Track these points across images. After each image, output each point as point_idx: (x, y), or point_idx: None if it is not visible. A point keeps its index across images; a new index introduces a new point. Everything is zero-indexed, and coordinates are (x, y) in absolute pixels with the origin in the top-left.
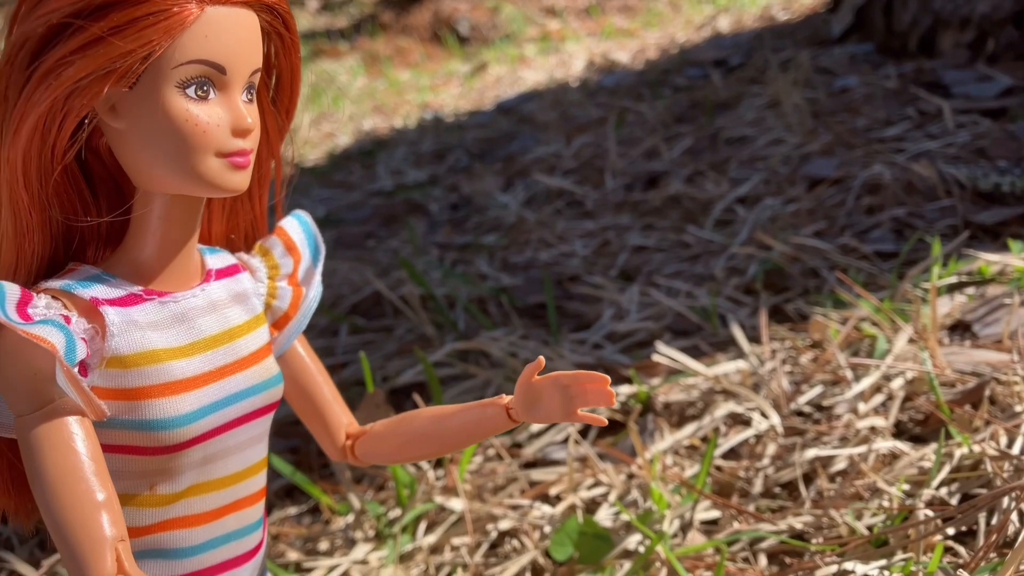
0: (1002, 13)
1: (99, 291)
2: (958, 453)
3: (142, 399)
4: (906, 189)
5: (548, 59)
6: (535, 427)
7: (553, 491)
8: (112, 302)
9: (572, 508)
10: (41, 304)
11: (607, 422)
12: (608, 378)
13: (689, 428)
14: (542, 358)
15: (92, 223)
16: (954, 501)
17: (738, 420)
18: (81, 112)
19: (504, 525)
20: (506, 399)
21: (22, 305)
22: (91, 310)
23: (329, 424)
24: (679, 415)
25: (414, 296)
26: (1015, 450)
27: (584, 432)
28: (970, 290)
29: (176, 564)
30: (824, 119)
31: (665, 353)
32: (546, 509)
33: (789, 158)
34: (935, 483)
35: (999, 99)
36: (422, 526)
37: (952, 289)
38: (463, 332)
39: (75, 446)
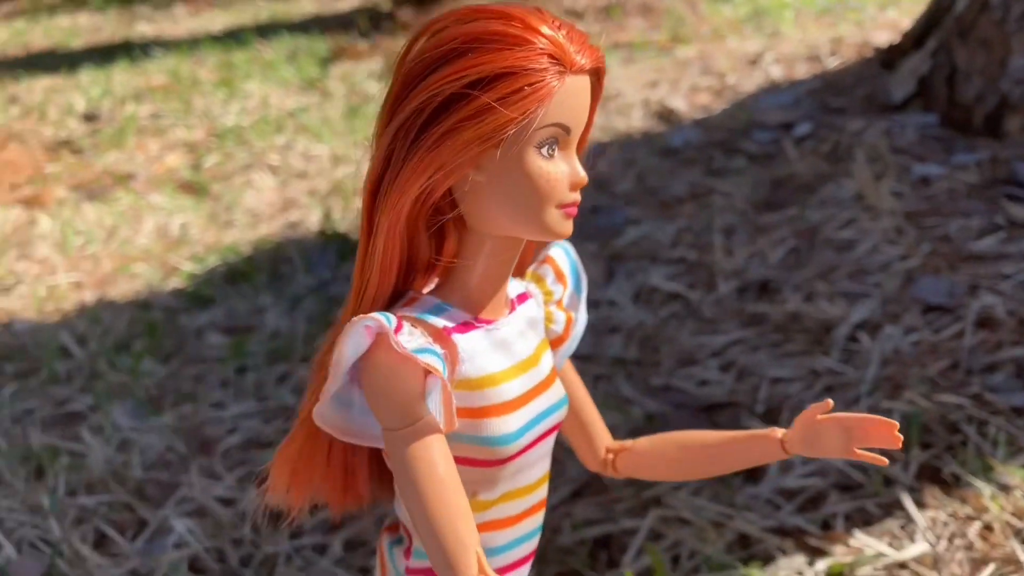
0: None
1: (445, 320)
2: None
3: (483, 417)
4: (1020, 325)
5: None
6: None
7: None
8: (457, 330)
9: None
10: (406, 332)
11: (887, 462)
12: (896, 424)
13: None
14: (830, 401)
15: (443, 262)
16: None
17: None
18: (464, 171)
19: None
20: (779, 432)
21: (395, 333)
22: (443, 337)
23: (593, 439)
24: None
25: None
26: None
27: None
28: None
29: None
30: (915, 221)
31: (863, 541)
32: None
33: (895, 273)
34: None
35: None
36: None
37: None
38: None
39: (441, 460)
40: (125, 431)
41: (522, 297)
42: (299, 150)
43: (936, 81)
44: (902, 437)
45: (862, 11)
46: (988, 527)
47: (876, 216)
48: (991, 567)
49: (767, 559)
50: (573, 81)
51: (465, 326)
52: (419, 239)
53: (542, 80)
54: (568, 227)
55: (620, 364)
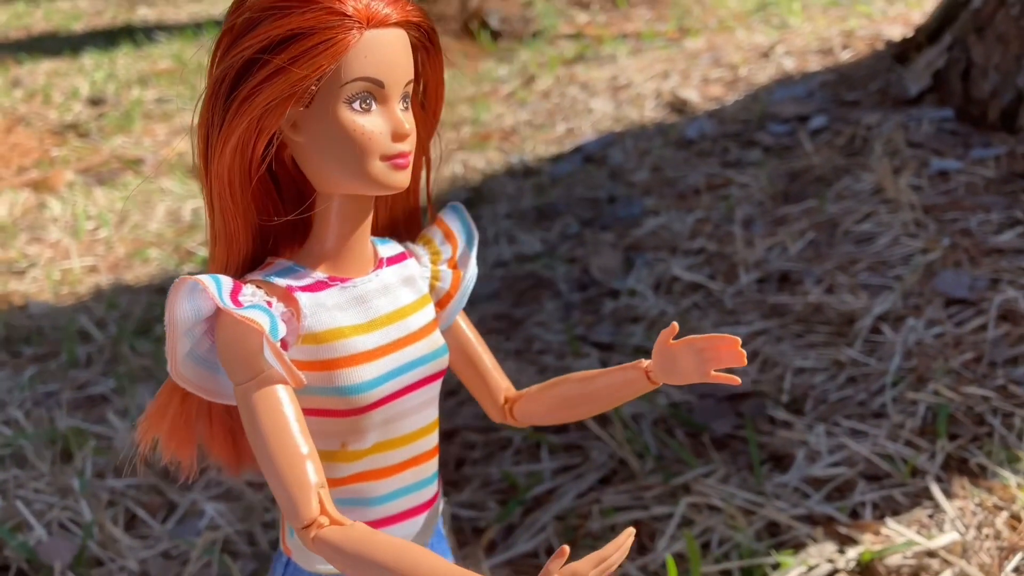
0: None
1: (292, 280)
2: None
3: (333, 369)
4: None
5: (598, 72)
6: None
7: None
8: (303, 288)
9: None
10: (248, 292)
11: (740, 382)
12: (739, 340)
13: None
14: (675, 324)
15: (281, 222)
16: None
17: None
18: (270, 131)
19: None
20: (645, 363)
21: (234, 294)
22: (287, 296)
23: (491, 389)
24: None
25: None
26: None
27: None
28: None
29: (367, 511)
30: (935, 215)
31: (893, 529)
32: None
33: (916, 267)
34: None
35: None
36: None
37: None
38: (662, 462)
39: (282, 408)
40: None
41: (398, 257)
42: None
43: (951, 76)
44: (745, 353)
45: (871, 4)
46: (1016, 517)
47: (895, 210)
48: (1019, 556)
49: (798, 547)
50: (375, 35)
51: (317, 285)
52: (264, 203)
53: (332, 38)
54: (398, 178)
55: (643, 353)
